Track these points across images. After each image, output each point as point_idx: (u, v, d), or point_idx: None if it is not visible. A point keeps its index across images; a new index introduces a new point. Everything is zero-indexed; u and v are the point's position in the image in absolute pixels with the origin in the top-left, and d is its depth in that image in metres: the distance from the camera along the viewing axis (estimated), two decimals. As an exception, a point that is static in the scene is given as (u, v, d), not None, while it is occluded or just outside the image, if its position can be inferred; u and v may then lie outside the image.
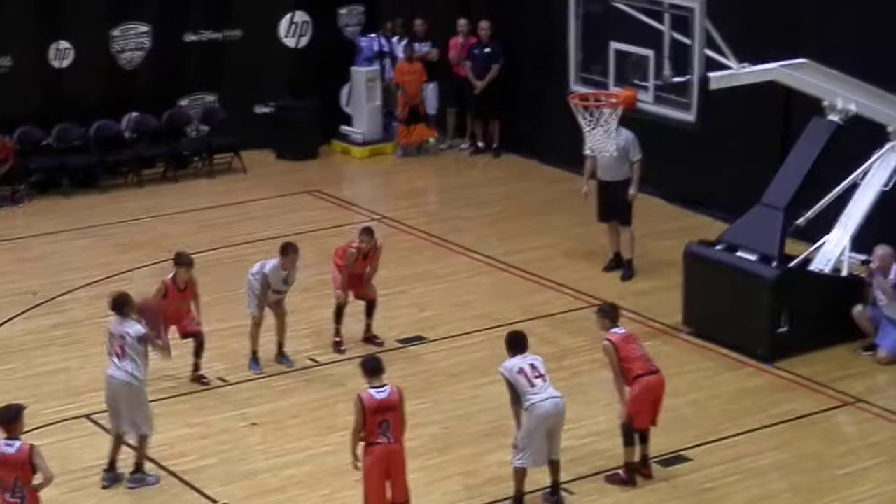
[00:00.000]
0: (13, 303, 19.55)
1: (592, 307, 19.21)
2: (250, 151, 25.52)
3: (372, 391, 13.55)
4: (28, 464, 12.91)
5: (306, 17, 26.53)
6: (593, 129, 18.27)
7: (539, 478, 14.58)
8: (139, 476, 14.96)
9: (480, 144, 26.11)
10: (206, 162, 25.43)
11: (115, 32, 25.09)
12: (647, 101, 17.88)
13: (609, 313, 15.32)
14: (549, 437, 14.54)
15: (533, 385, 14.51)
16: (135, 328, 14.72)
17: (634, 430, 14.93)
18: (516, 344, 14.92)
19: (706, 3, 17.21)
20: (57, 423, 16.28)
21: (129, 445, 15.15)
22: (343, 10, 26.81)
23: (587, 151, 19.32)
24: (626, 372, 14.90)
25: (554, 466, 14.75)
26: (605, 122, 18.19)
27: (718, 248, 18.42)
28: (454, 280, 19.39)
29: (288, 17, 26.43)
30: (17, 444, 12.96)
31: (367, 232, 18.24)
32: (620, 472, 15.00)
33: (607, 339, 14.96)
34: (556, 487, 14.80)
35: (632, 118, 18.32)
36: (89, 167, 24.55)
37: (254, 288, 17.49)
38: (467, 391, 16.69)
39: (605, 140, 18.49)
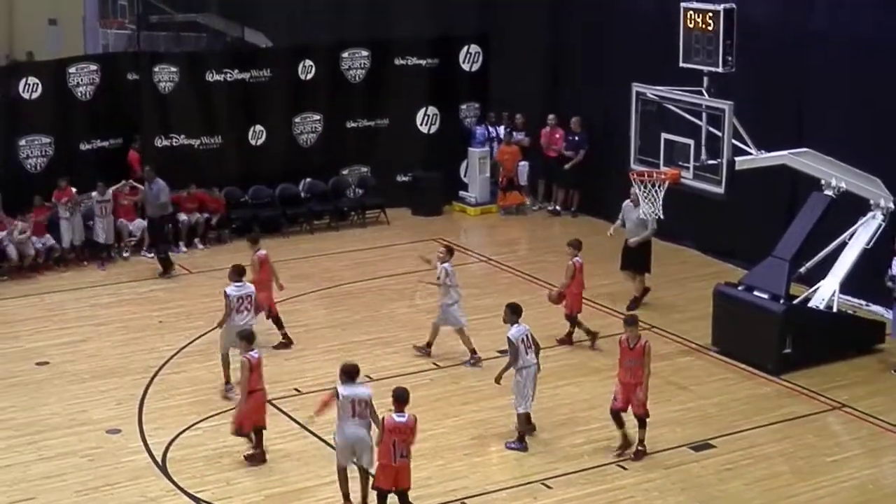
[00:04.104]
0: (216, 317, 19.50)
1: (643, 330, 19.11)
2: (393, 209, 25.54)
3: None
4: (414, 428, 13.08)
5: (436, 111, 26.57)
6: (647, 196, 18.19)
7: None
8: None
9: (559, 208, 26.00)
10: (360, 216, 25.48)
11: (296, 119, 25.29)
12: (688, 178, 17.79)
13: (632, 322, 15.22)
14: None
15: (527, 353, 15.02)
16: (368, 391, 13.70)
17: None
18: (518, 311, 15.49)
19: (734, 105, 17.13)
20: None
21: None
22: (463, 106, 26.81)
23: (641, 215, 19.17)
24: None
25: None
26: (656, 192, 18.09)
27: (740, 288, 18.22)
28: (540, 308, 19.22)
29: (423, 110, 26.49)
30: (406, 416, 13.07)
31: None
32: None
33: (647, 340, 14.97)
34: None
35: (676, 190, 18.16)
36: (275, 218, 24.65)
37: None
38: (548, 390, 16.58)
39: (655, 205, 18.38)
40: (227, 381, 16.64)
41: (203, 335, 18.79)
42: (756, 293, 17.85)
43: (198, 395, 16.78)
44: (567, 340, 18.56)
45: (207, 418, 16.03)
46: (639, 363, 14.75)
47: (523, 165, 26.17)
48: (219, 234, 23.91)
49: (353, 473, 13.71)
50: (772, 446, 15.37)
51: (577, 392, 16.42)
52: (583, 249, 18.72)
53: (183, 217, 23.30)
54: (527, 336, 15.30)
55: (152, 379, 17.30)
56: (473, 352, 17.79)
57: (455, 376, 17.32)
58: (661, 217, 18.56)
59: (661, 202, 18.12)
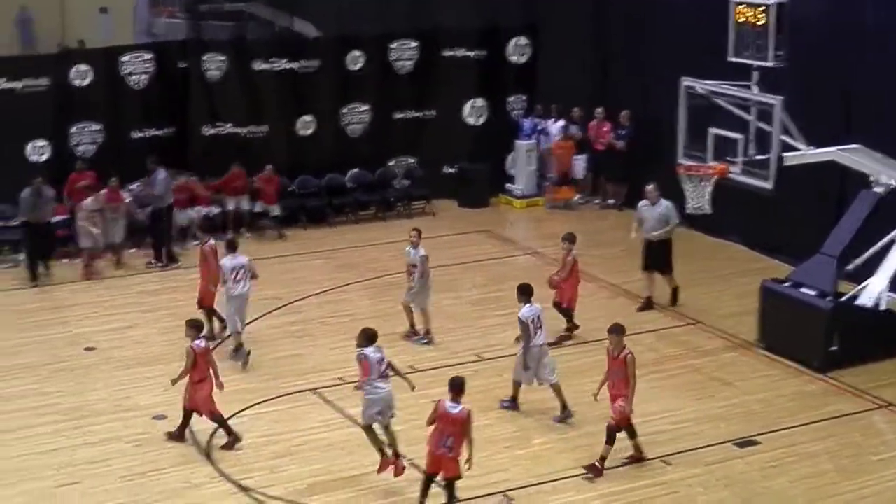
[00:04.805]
0: (264, 305, 19.73)
1: (689, 325, 19.09)
2: (439, 200, 25.58)
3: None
4: (465, 424, 13.01)
5: (483, 103, 26.57)
6: (694, 190, 18.10)
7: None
8: None
9: (611, 201, 25.86)
10: (406, 207, 25.53)
11: (344, 110, 25.36)
12: (736, 173, 17.70)
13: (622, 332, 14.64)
14: (539, 367, 15.73)
15: (535, 334, 15.58)
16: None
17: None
18: (528, 292, 15.90)
19: (784, 99, 17.02)
20: (290, 394, 16.52)
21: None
22: (510, 98, 26.78)
23: (688, 209, 19.07)
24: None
25: (554, 388, 15.81)
26: (703, 186, 17.99)
27: (787, 284, 18.12)
28: (585, 300, 19.22)
29: (470, 102, 26.48)
30: (460, 407, 13.09)
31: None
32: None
33: (631, 352, 14.55)
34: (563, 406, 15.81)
35: (724, 184, 18.04)
36: (321, 208, 24.76)
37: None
38: (590, 385, 16.44)
39: (702, 200, 18.26)
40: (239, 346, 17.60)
41: (249, 322, 18.88)
42: (803, 290, 17.74)
43: (243, 382, 16.87)
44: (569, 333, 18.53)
45: (252, 406, 16.14)
46: (620, 375, 14.46)
47: (581, 159, 26.03)
48: (266, 223, 23.99)
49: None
50: (817, 444, 15.27)
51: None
52: (613, 245, 18.64)
53: (230, 206, 23.40)
54: (538, 317, 15.73)
55: (198, 366, 17.41)
56: (427, 332, 18.40)
57: (498, 369, 17.30)
58: (710, 212, 18.45)
59: (708, 197, 18.03)
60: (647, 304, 19.82)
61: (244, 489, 14.07)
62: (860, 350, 17.44)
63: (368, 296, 20.58)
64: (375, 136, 25.65)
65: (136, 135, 23.59)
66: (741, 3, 17.76)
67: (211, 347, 15.59)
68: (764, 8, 17.40)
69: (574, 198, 26.05)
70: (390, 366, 14.28)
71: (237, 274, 17.41)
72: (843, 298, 17.73)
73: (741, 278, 20.83)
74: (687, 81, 18.32)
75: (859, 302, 17.79)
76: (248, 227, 23.65)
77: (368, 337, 14.13)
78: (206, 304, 18.15)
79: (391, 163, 25.91)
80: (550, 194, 26.00)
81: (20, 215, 21.13)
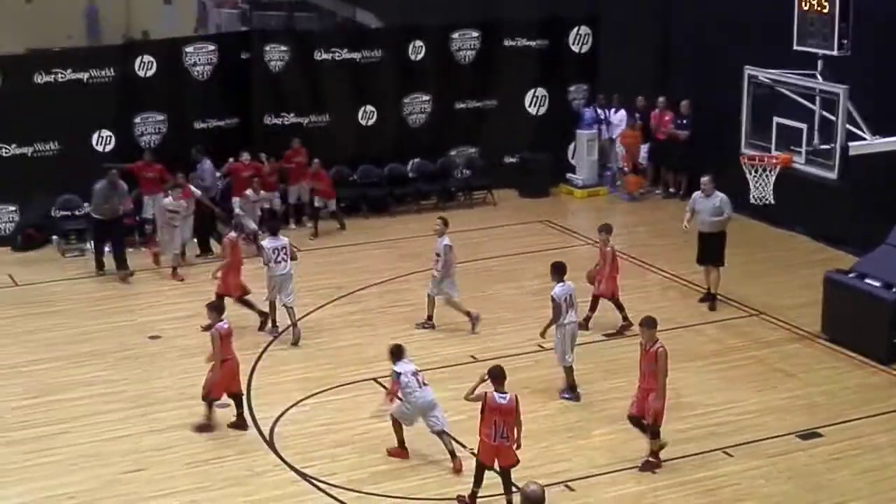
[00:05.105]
0: (325, 295, 19.90)
1: (752, 316, 18.98)
2: (500, 190, 25.58)
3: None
4: (515, 411, 13.16)
5: (545, 92, 26.51)
6: (758, 180, 17.97)
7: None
8: None
9: (672, 190, 25.73)
10: (467, 196, 25.57)
11: (406, 100, 25.42)
12: (800, 162, 17.51)
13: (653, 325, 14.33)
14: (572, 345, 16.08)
15: (567, 312, 15.87)
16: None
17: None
18: (562, 271, 16.17)
19: (849, 88, 16.85)
20: (351, 383, 16.62)
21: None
22: (572, 88, 26.71)
23: (752, 199, 18.91)
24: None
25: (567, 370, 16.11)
26: (767, 176, 17.85)
27: (851, 275, 17.97)
28: (648, 290, 19.17)
29: (531, 92, 26.45)
30: (508, 396, 13.22)
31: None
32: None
33: (663, 347, 14.29)
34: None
35: (787, 175, 17.89)
36: (382, 197, 24.87)
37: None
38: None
39: (765, 190, 18.12)
40: (274, 324, 18.22)
41: (311, 312, 19.03)
42: (868, 281, 17.59)
43: (306, 371, 17.03)
44: (584, 325, 17.94)
45: (315, 394, 16.28)
46: (652, 369, 14.23)
47: (645, 148, 25.85)
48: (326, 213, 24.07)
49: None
50: (881, 436, 15.15)
51: (684, 377, 16.27)
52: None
53: (292, 199, 23.52)
54: (570, 295, 16.02)
55: (261, 355, 17.57)
56: (468, 314, 18.43)
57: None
58: (772, 202, 18.29)
59: (771, 187, 17.88)
60: (709, 296, 19.72)
61: (306, 477, 14.21)
62: (926, 342, 17.29)
63: (429, 285, 20.64)
64: (437, 126, 25.69)
65: (200, 125, 23.80)
66: (806, -10, 17.59)
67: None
68: (827, -5, 17.22)
69: (639, 191, 25.94)
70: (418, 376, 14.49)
71: (278, 255, 17.86)
72: (907, 289, 17.57)
73: (805, 269, 20.68)
74: (750, 70, 18.17)
75: (924, 293, 17.62)
76: (309, 219, 23.73)
77: (394, 353, 14.42)
78: (229, 293, 18.17)
79: (452, 153, 25.94)
80: (618, 184, 25.87)
81: (91, 207, 21.27)
